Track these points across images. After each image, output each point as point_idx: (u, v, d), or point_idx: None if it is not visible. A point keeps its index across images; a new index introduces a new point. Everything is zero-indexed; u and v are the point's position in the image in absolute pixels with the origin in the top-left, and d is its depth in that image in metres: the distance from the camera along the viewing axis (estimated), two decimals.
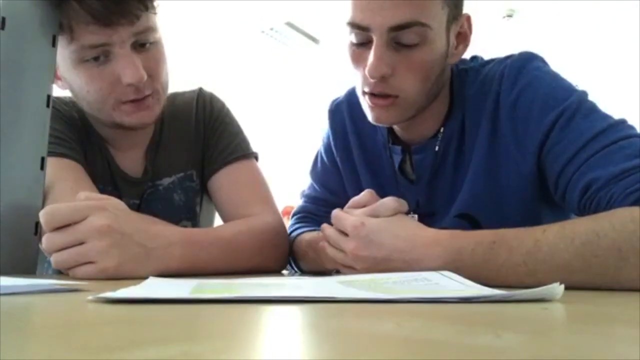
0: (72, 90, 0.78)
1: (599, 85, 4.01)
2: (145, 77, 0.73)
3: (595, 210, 0.57)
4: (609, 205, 0.55)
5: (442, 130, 0.74)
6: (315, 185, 0.93)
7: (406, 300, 0.36)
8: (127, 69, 0.71)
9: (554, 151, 0.62)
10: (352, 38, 0.67)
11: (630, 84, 3.80)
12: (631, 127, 0.60)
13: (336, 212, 0.64)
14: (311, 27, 3.77)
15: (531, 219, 0.63)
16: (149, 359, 0.18)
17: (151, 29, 0.74)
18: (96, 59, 0.71)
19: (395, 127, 0.79)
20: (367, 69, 0.65)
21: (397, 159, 0.79)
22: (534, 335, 0.25)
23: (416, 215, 0.75)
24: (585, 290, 0.48)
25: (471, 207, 0.72)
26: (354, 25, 0.65)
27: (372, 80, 0.66)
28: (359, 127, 0.85)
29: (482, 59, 0.78)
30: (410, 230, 0.59)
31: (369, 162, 0.84)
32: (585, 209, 0.59)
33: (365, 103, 0.70)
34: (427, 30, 0.64)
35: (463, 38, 0.71)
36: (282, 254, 0.81)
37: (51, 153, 0.71)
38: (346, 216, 0.62)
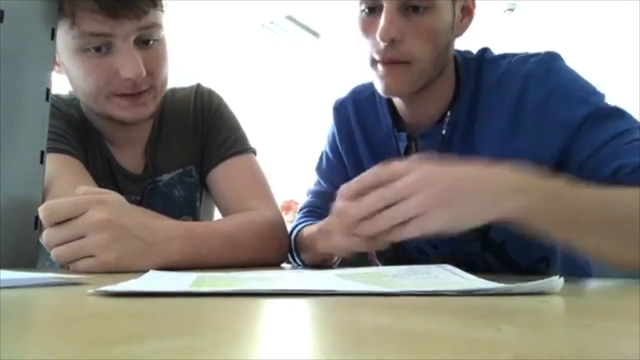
0: (69, 77, 0.78)
1: (600, 79, 4.00)
2: (144, 73, 0.72)
3: None
4: None
5: (448, 114, 0.75)
6: (321, 181, 0.94)
7: (405, 294, 0.36)
8: (127, 63, 0.71)
9: (587, 137, 0.65)
10: (363, 6, 0.69)
11: (632, 78, 3.79)
12: None
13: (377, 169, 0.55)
14: (312, 21, 3.75)
15: None
16: (150, 353, 0.18)
17: (156, 26, 0.74)
18: (98, 49, 0.71)
19: (399, 108, 0.80)
20: (378, 32, 0.67)
21: (402, 145, 0.80)
22: (534, 328, 0.25)
23: None
24: (586, 284, 0.48)
25: None
26: None
27: (382, 46, 0.67)
28: (364, 122, 0.86)
29: (491, 51, 0.79)
30: (477, 168, 0.54)
31: (374, 154, 0.85)
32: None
33: (375, 73, 0.71)
34: None
35: (467, 12, 0.74)
36: (282, 248, 0.81)
37: (51, 149, 0.71)
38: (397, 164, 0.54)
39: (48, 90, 0.69)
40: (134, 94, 0.75)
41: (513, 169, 0.52)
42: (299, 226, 0.86)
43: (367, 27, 0.70)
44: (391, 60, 0.68)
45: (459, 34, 0.74)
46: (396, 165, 0.52)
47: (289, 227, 0.87)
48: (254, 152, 0.91)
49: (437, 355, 0.19)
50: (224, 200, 0.87)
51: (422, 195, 0.49)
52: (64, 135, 0.78)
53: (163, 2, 0.74)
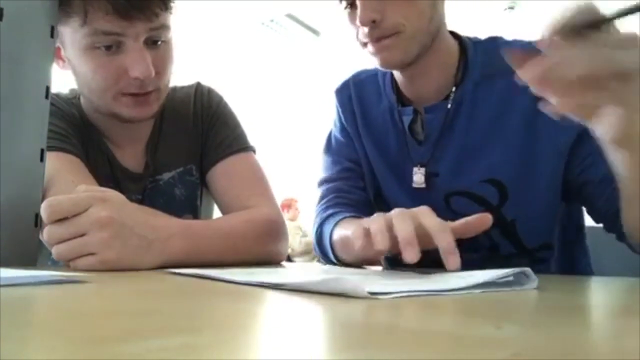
0: (75, 74, 0.78)
1: None
2: (154, 73, 0.73)
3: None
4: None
5: (453, 89, 0.77)
6: (333, 162, 0.91)
7: (399, 293, 0.36)
8: (138, 63, 0.72)
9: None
10: (343, 3, 0.73)
11: None
12: None
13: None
14: (311, 19, 3.75)
15: (556, 196, 0.73)
16: (151, 350, 0.18)
17: (165, 27, 0.75)
18: (108, 47, 0.71)
19: (402, 85, 0.82)
20: (357, 19, 0.70)
21: (407, 120, 0.81)
22: (534, 326, 0.25)
23: (423, 169, 0.79)
24: (586, 282, 0.48)
25: (501, 173, 0.75)
26: None
27: (365, 30, 0.70)
28: (363, 101, 0.88)
29: (503, 38, 0.80)
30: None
31: (371, 133, 0.86)
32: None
33: (370, 53, 0.73)
34: None
35: None
36: (281, 246, 0.81)
37: (51, 148, 0.71)
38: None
39: (48, 88, 0.69)
40: (141, 94, 0.75)
41: None
42: (332, 219, 0.81)
43: (352, 19, 0.73)
44: (378, 38, 0.71)
45: None
46: None
47: (288, 225, 0.86)
48: (254, 151, 0.91)
49: (437, 353, 0.19)
50: (224, 198, 0.87)
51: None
52: (64, 134, 0.79)
53: (172, 4, 0.75)
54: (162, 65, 0.76)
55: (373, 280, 0.46)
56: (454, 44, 0.79)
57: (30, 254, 0.65)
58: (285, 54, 4.36)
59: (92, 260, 0.55)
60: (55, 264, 0.77)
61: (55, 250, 0.55)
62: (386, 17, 0.69)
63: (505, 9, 3.44)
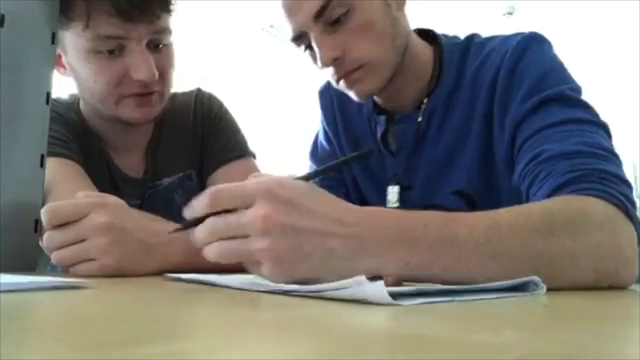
0: (77, 79, 0.78)
1: (599, 83, 4.00)
2: (157, 76, 0.74)
3: (532, 181, 0.57)
4: (546, 179, 0.55)
5: (425, 101, 0.74)
6: (317, 165, 0.91)
7: (406, 293, 0.35)
8: (141, 65, 0.72)
9: (522, 127, 0.63)
10: (302, 46, 0.70)
11: (630, 83, 3.79)
12: (605, 135, 0.60)
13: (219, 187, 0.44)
14: None
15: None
16: (147, 356, 0.18)
17: (167, 31, 0.76)
18: (110, 51, 0.72)
19: (376, 97, 0.79)
20: (318, 61, 0.67)
21: (380, 129, 0.79)
22: (534, 332, 0.25)
23: (397, 187, 0.76)
24: (586, 288, 0.48)
25: (467, 184, 0.72)
26: (293, 37, 0.68)
27: (331, 68, 0.68)
28: (345, 107, 0.86)
29: (480, 36, 0.77)
30: (340, 202, 0.45)
31: (351, 139, 0.84)
32: (525, 178, 0.59)
33: (343, 89, 0.71)
34: None
35: None
36: None
37: (50, 153, 0.71)
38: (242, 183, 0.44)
39: (48, 94, 0.69)
40: (143, 94, 0.76)
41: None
42: None
43: (314, 59, 0.69)
44: (346, 73, 0.68)
45: (402, 6, 0.71)
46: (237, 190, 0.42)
47: None
48: (254, 156, 0.92)
49: (438, 359, 0.19)
50: None
51: (267, 242, 0.39)
52: (63, 139, 0.79)
53: (173, 6, 0.75)
54: (163, 68, 0.76)
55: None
56: (427, 52, 0.75)
57: (30, 259, 0.65)
58: (285, 59, 4.37)
59: (92, 265, 0.55)
60: (53, 269, 0.77)
61: (55, 256, 0.55)
62: (348, 51, 0.66)
63: (504, 14, 3.45)
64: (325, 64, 0.67)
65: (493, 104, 0.68)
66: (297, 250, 0.39)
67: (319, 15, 0.64)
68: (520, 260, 0.43)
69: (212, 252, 0.43)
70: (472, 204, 0.72)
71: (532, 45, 0.68)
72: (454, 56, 0.74)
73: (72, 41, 0.72)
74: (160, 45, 0.76)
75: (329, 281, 0.35)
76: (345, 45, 0.66)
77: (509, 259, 0.43)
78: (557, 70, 0.66)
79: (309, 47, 0.69)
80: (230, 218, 0.41)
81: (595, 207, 0.49)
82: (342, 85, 0.70)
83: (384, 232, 0.42)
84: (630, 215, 0.50)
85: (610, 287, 0.48)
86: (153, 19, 0.71)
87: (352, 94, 0.71)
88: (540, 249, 0.44)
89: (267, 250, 0.39)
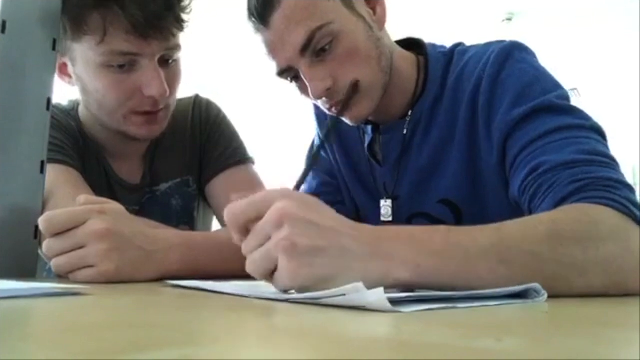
0: (84, 91, 0.78)
1: (598, 88, 4.02)
2: (168, 92, 0.74)
3: (535, 194, 0.56)
4: (550, 190, 0.54)
5: (409, 113, 0.74)
6: (313, 174, 0.90)
7: (404, 299, 0.35)
8: (154, 81, 0.72)
9: (513, 138, 0.62)
10: (289, 79, 0.70)
11: (629, 88, 3.81)
12: (600, 138, 0.59)
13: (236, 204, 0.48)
14: None
15: (513, 211, 0.59)
16: None
17: (178, 47, 0.76)
18: (121, 66, 0.72)
19: None
20: (310, 94, 0.67)
21: (367, 139, 0.79)
22: (534, 339, 0.25)
23: (389, 201, 0.76)
24: (587, 295, 0.48)
25: (454, 194, 0.72)
26: (279, 71, 0.68)
27: (325, 99, 0.67)
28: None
29: (464, 45, 0.77)
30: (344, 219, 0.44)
31: (343, 144, 0.84)
32: (525, 191, 0.58)
33: (335, 115, 0.70)
34: (330, 27, 0.64)
35: (375, 1, 0.70)
36: None
37: (49, 160, 0.71)
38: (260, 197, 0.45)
39: (49, 100, 0.69)
40: (151, 112, 0.76)
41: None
42: None
43: (305, 91, 0.69)
44: (338, 102, 0.68)
45: (382, 26, 0.71)
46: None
47: None
48: (253, 162, 0.92)
49: None
50: (223, 210, 0.87)
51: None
52: (61, 146, 0.79)
53: (186, 24, 0.76)
54: (172, 83, 0.77)
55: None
56: (410, 65, 0.75)
57: (29, 265, 0.65)
58: None
59: (91, 272, 0.55)
60: (50, 275, 0.77)
61: (54, 263, 0.55)
62: (338, 80, 0.66)
63: (503, 21, 3.46)
64: (318, 97, 0.67)
65: (476, 112, 0.68)
66: (313, 240, 0.39)
67: (305, 48, 0.64)
68: (528, 267, 0.43)
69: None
70: (457, 213, 0.72)
71: (514, 54, 0.67)
72: (439, 66, 0.74)
73: (84, 54, 0.72)
74: (170, 61, 0.76)
75: (342, 282, 0.35)
76: (335, 73, 0.66)
77: (517, 265, 0.43)
78: (541, 79, 0.66)
79: (295, 78, 0.69)
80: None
81: (603, 215, 0.48)
82: (334, 112, 0.70)
83: (396, 236, 0.43)
84: (638, 221, 0.49)
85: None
86: (168, 36, 0.72)
87: (346, 119, 0.71)
88: (547, 258, 0.44)
89: (283, 240, 0.39)
